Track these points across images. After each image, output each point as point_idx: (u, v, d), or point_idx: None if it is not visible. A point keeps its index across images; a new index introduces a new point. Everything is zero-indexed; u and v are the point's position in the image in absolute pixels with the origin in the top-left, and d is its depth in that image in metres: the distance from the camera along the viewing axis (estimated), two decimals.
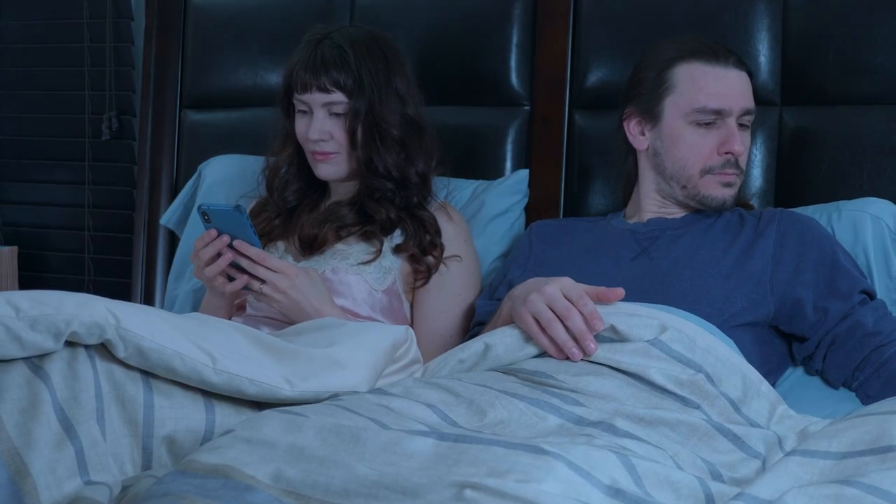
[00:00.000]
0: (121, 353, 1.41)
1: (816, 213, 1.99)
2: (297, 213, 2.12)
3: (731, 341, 1.73)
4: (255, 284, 1.89)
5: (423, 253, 2.03)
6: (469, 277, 2.09)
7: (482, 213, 2.26)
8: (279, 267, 1.87)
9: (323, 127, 2.03)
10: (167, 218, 2.56)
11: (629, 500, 1.09)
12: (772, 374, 1.83)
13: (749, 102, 1.93)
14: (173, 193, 2.69)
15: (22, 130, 3.24)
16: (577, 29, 2.33)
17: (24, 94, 3.22)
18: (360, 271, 2.01)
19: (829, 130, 2.10)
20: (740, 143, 1.90)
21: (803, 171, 2.12)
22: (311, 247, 2.04)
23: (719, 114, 1.90)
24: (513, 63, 2.38)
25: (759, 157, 2.15)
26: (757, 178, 2.13)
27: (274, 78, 2.58)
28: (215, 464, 1.14)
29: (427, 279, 2.04)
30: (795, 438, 1.44)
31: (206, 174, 2.52)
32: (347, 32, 2.06)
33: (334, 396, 1.49)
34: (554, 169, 2.33)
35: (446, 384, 1.47)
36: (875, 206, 1.96)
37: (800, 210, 2.02)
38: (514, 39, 2.38)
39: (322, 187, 2.16)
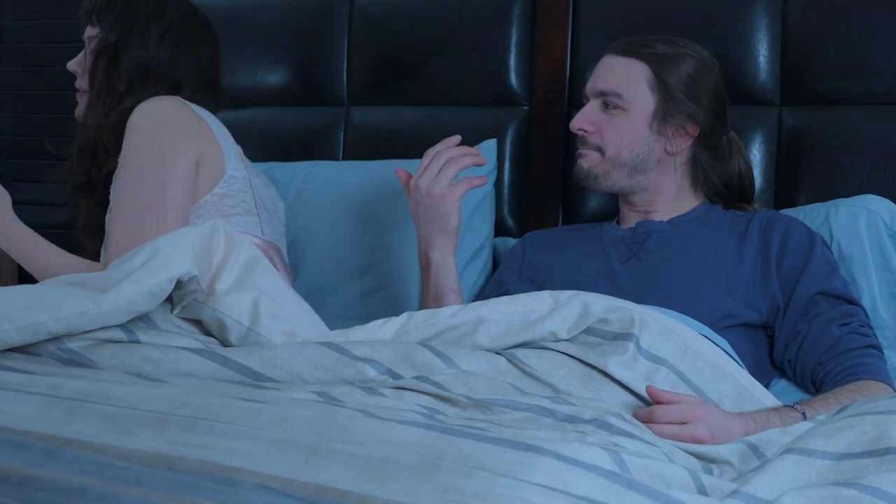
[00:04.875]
0: None
1: (814, 210, 1.99)
2: None
3: (725, 341, 1.73)
4: None
5: None
6: None
7: None
8: None
9: None
10: None
11: (622, 482, 1.08)
12: (765, 375, 1.83)
13: (605, 84, 1.93)
14: None
15: (22, 130, 3.24)
16: (577, 29, 2.32)
17: (24, 94, 3.22)
18: None
19: (828, 130, 2.10)
20: (580, 119, 1.94)
21: (803, 171, 2.11)
22: None
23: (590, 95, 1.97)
24: (512, 63, 2.37)
25: (758, 157, 2.14)
26: (756, 178, 2.12)
27: (273, 78, 2.58)
28: (202, 459, 1.13)
29: None
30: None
31: None
32: None
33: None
34: (553, 169, 2.33)
35: (438, 391, 1.43)
36: (872, 203, 1.96)
37: (798, 209, 2.02)
38: (514, 39, 2.37)
39: None
